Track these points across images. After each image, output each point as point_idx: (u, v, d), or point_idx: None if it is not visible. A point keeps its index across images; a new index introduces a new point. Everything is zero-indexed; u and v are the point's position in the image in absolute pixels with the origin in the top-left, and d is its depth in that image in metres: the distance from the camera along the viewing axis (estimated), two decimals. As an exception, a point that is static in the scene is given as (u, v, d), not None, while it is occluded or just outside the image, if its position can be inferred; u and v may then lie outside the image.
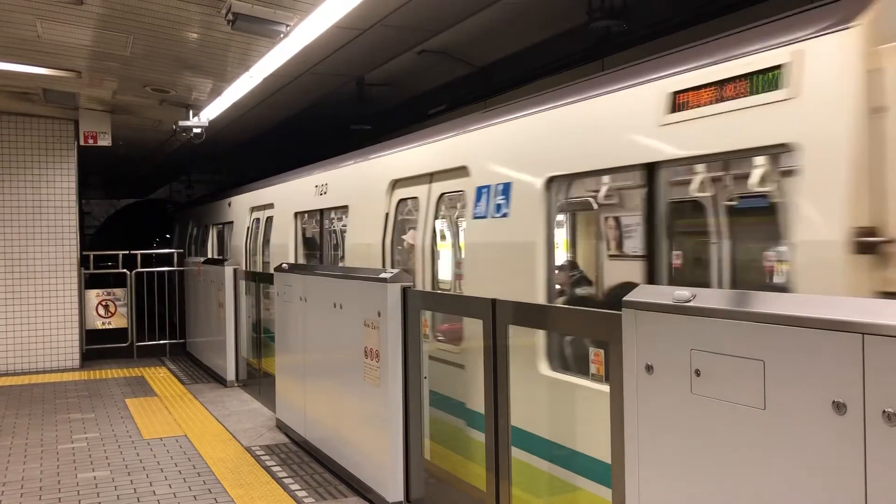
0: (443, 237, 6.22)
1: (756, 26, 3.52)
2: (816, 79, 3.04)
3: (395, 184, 6.65)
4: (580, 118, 4.40)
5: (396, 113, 11.62)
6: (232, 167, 18.79)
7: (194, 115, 9.95)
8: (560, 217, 4.69)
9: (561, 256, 5.21)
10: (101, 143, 10.57)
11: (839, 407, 2.14)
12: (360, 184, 7.43)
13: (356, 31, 6.80)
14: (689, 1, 6.38)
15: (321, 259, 8.89)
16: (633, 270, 4.42)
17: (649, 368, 2.79)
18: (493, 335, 3.99)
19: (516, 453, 4.09)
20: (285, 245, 9.38)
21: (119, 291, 12.10)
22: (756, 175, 3.43)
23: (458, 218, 6.01)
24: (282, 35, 6.14)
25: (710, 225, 3.95)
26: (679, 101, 3.63)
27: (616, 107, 4.11)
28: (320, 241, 8.91)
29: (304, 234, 9.37)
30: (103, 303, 11.94)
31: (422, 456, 4.92)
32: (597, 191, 4.75)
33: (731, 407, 2.47)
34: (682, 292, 2.70)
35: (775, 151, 3.24)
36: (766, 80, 3.21)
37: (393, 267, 6.51)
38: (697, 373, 2.59)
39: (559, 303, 4.71)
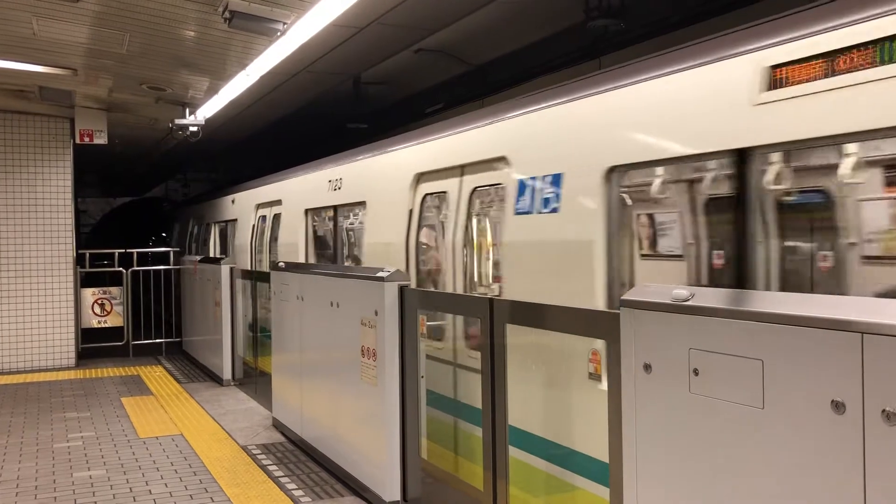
0: (480, 235, 5.67)
1: None
2: None
3: (420, 177, 6.16)
4: (651, 98, 3.86)
5: (393, 111, 11.61)
6: (228, 165, 18.77)
7: (191, 114, 9.93)
8: (620, 212, 4.16)
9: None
10: (97, 141, 10.54)
11: (838, 406, 2.14)
12: (379, 178, 6.94)
13: (353, 29, 6.80)
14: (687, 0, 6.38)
15: (335, 259, 8.38)
16: (716, 275, 3.76)
17: (647, 368, 2.79)
18: (491, 334, 3.98)
19: (579, 482, 3.81)
20: (295, 244, 8.93)
21: (115, 290, 12.08)
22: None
23: (494, 214, 5.49)
24: (278, 33, 6.13)
25: (830, 220, 3.33)
26: (778, 77, 3.14)
27: (698, 85, 3.59)
28: (334, 239, 8.41)
29: (315, 233, 8.90)
30: (99, 301, 11.92)
31: (419, 455, 4.91)
32: (667, 182, 4.06)
33: (729, 406, 2.47)
34: (681, 291, 2.69)
35: None
36: None
37: (419, 268, 6.13)
38: (696, 372, 2.58)
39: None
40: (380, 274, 5.04)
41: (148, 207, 24.19)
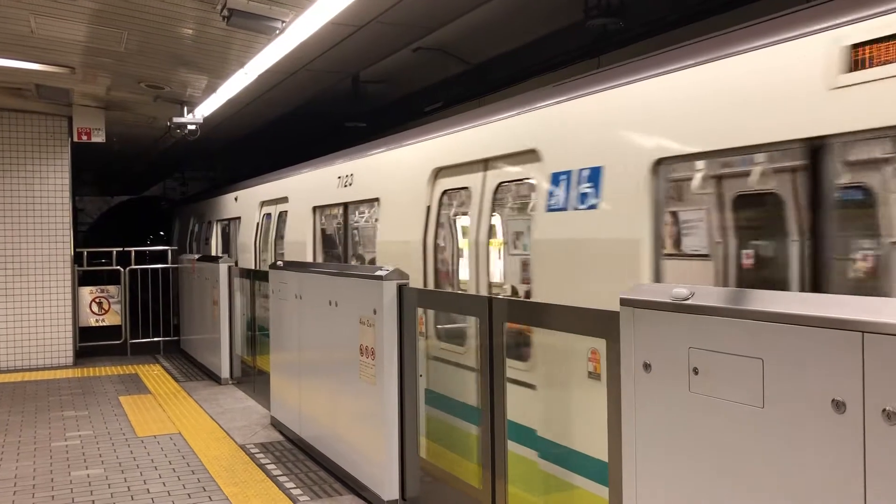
0: (505, 234, 5.41)
1: None
2: None
3: (439, 172, 5.88)
4: (708, 83, 3.52)
5: (392, 110, 11.60)
6: (226, 164, 18.75)
7: (189, 112, 9.90)
8: (670, 208, 3.84)
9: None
10: (94, 139, 10.53)
11: (839, 405, 2.13)
12: (393, 174, 6.62)
13: (352, 27, 6.79)
14: (685, -1, 6.38)
15: (345, 259, 8.08)
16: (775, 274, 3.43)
17: (647, 367, 2.78)
18: (490, 332, 3.97)
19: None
20: (302, 243, 8.65)
21: (113, 289, 12.08)
22: None
23: (522, 211, 5.22)
24: (277, 31, 6.12)
25: None
26: (860, 57, 2.85)
27: (765, 66, 3.25)
28: (343, 238, 8.09)
29: (323, 231, 8.62)
30: (97, 300, 11.91)
31: (417, 454, 4.91)
32: (730, 175, 3.72)
33: (729, 405, 2.46)
34: (680, 290, 2.69)
35: None
36: None
37: (437, 269, 5.88)
38: (696, 371, 2.58)
39: None
40: (378, 273, 5.04)
41: (146, 206, 24.17)
